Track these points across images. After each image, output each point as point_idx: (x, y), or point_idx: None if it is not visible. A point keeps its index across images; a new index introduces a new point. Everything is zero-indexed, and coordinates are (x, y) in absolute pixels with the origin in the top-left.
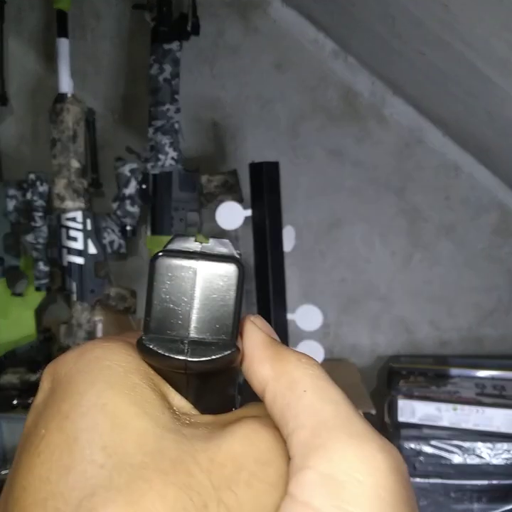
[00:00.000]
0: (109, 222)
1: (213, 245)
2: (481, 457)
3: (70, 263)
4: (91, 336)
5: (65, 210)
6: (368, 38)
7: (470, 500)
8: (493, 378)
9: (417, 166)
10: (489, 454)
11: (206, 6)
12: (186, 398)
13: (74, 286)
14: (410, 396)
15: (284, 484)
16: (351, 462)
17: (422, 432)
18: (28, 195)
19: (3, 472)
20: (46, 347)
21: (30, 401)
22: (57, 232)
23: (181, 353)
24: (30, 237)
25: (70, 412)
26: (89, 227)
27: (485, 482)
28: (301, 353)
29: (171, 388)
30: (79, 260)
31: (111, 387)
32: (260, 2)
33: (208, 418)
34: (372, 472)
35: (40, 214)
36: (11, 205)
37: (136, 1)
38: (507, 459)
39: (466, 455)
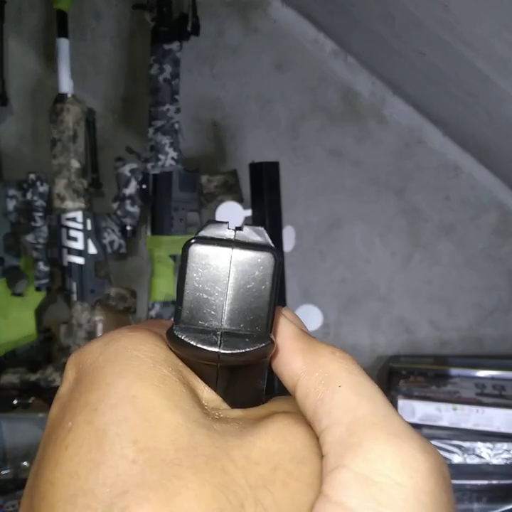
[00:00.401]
0: (109, 222)
1: (248, 233)
2: (480, 457)
3: (70, 263)
4: (91, 336)
5: (65, 210)
6: (368, 38)
7: (470, 500)
8: (493, 378)
9: (417, 166)
10: (489, 454)
11: (206, 6)
12: (215, 391)
13: (74, 286)
14: (410, 396)
15: (319, 483)
16: (389, 463)
17: (422, 432)
18: (28, 195)
19: (3, 472)
20: (46, 347)
21: (30, 401)
22: (57, 232)
23: (214, 344)
24: (30, 237)
25: (98, 404)
26: (89, 227)
27: (485, 482)
28: (334, 346)
29: (199, 380)
30: (79, 260)
31: (140, 379)
32: (260, 2)
33: (238, 413)
34: (412, 474)
35: (40, 214)
36: (11, 205)
37: (136, 1)
38: (507, 458)
39: (466, 455)
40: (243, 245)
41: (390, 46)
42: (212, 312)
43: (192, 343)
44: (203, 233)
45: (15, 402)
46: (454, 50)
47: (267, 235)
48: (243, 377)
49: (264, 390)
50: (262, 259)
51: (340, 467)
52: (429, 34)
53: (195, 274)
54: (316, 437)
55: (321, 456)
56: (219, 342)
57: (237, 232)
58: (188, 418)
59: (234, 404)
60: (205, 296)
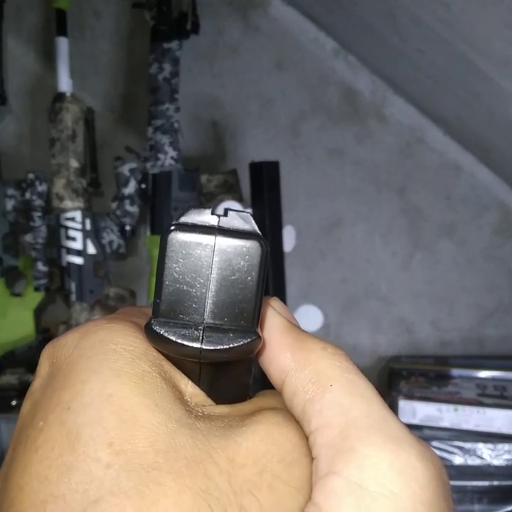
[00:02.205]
0: (109, 222)
1: (233, 219)
2: (482, 458)
3: (69, 263)
4: None
5: (64, 210)
6: (369, 37)
7: (471, 502)
8: (494, 379)
9: (417, 165)
10: (490, 454)
11: (206, 5)
12: (198, 386)
13: (73, 286)
14: (411, 397)
15: (309, 486)
16: (385, 471)
17: (423, 433)
18: (27, 195)
19: None
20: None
21: None
22: (56, 232)
23: (196, 340)
24: (29, 237)
25: (71, 402)
26: (88, 227)
27: (486, 483)
28: (325, 341)
29: (182, 374)
30: (78, 260)
31: (117, 376)
32: (260, 1)
33: (223, 409)
34: (409, 483)
35: (39, 214)
36: (9, 204)
37: (135, 0)
38: (508, 459)
39: (466, 456)
40: (227, 233)
41: (391, 45)
42: (194, 305)
43: (172, 338)
44: (183, 219)
45: (13, 402)
46: (454, 48)
47: (253, 222)
48: (228, 372)
49: (250, 384)
50: (247, 248)
51: (332, 474)
52: (430, 33)
53: (175, 265)
54: (305, 437)
55: (311, 457)
56: (201, 337)
57: (221, 218)
58: (168, 417)
59: (219, 399)
60: (185, 287)
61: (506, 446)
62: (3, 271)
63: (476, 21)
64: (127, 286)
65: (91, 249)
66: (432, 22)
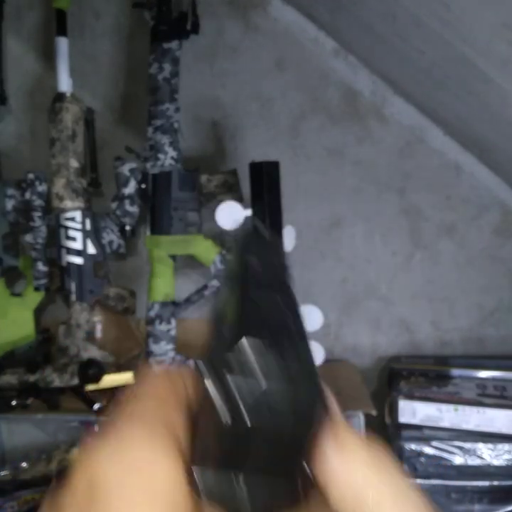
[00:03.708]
0: (109, 222)
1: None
2: (482, 458)
3: (68, 263)
4: (90, 336)
5: (64, 210)
6: (369, 37)
7: (471, 502)
8: (494, 379)
9: (417, 165)
10: (490, 454)
11: (206, 5)
12: None
13: (73, 286)
14: (411, 397)
15: None
16: None
17: (422, 433)
18: (27, 195)
19: (2, 473)
20: (45, 347)
21: (28, 402)
22: (56, 232)
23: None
24: (28, 237)
25: None
26: (88, 227)
27: (486, 483)
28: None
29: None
30: (78, 260)
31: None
32: (260, 1)
33: None
34: None
35: (39, 214)
36: (9, 204)
37: (135, 0)
38: (508, 459)
39: (467, 456)
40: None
41: (391, 45)
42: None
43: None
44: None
45: (13, 402)
46: (454, 49)
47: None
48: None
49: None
50: None
51: None
52: (430, 33)
53: None
54: None
55: None
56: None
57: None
58: None
59: None
60: None
61: (506, 446)
62: (3, 271)
63: (476, 21)
64: (127, 286)
65: (91, 249)
66: (432, 22)
